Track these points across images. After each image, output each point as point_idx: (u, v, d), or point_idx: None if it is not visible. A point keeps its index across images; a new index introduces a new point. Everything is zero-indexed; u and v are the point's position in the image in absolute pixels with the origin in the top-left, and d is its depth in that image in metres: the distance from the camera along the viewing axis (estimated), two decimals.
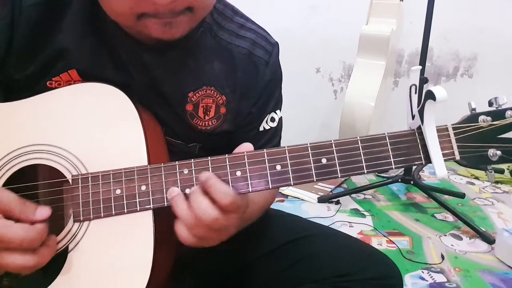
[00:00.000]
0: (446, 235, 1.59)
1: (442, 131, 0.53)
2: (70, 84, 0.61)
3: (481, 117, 0.52)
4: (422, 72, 1.70)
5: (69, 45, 0.60)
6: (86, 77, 0.61)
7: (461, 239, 1.57)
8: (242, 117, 0.70)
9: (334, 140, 0.53)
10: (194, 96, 0.66)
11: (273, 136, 0.75)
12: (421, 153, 0.53)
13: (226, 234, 0.54)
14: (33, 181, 0.57)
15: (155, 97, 0.65)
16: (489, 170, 0.54)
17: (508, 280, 1.32)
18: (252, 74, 0.68)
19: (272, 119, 0.73)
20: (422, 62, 1.69)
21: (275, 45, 0.72)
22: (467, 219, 1.61)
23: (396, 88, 2.25)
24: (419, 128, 0.53)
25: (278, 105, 0.74)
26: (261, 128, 0.72)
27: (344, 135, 1.83)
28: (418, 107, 0.53)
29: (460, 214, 1.64)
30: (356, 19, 1.91)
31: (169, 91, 0.65)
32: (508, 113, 0.52)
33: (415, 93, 0.55)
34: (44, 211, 0.51)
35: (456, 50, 2.20)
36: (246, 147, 0.54)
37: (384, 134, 0.54)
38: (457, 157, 0.53)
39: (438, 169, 0.51)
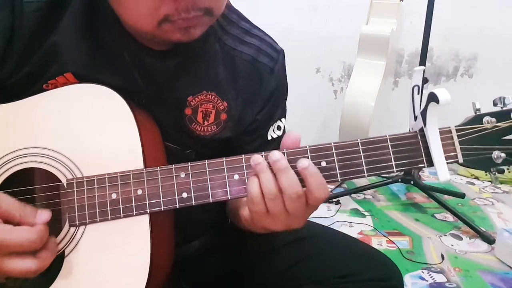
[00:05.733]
0: (446, 235, 1.59)
1: (445, 133, 0.52)
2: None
3: (486, 118, 0.51)
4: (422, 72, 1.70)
5: (64, 47, 0.59)
6: (83, 80, 0.60)
7: (461, 239, 1.57)
8: (245, 124, 0.68)
9: (334, 143, 0.52)
10: (193, 101, 0.65)
11: (279, 145, 0.72)
12: (423, 156, 0.52)
13: (295, 223, 0.53)
14: (28, 185, 0.56)
15: (154, 100, 0.64)
16: (493, 172, 0.53)
17: (508, 280, 1.32)
18: (256, 81, 0.67)
19: (279, 128, 0.72)
20: (422, 62, 1.69)
21: (281, 52, 0.70)
22: (467, 219, 1.61)
23: (396, 88, 2.25)
24: (421, 130, 0.52)
25: (283, 113, 0.73)
26: (268, 137, 0.70)
27: (344, 135, 1.83)
28: (420, 108, 0.52)
29: (460, 214, 1.64)
30: (356, 19, 1.91)
31: (168, 95, 0.64)
32: None
33: (418, 94, 0.54)
34: (44, 215, 0.50)
35: (456, 50, 2.20)
36: (292, 139, 0.52)
37: (386, 136, 0.52)
38: (460, 160, 0.52)
39: (441, 173, 0.51)
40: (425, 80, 1.69)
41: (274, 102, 0.69)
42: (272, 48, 0.69)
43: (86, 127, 0.56)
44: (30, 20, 0.57)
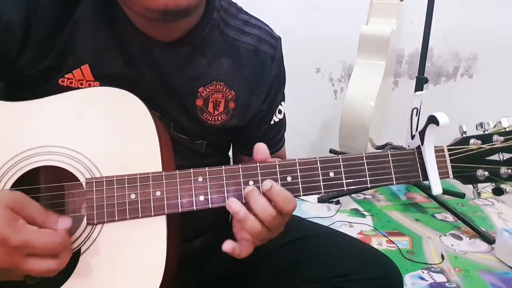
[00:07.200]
0: (446, 235, 1.59)
1: (438, 152, 0.58)
2: (81, 83, 0.61)
3: (472, 140, 0.58)
4: (422, 72, 1.70)
5: (80, 38, 0.60)
6: (97, 72, 0.61)
7: (461, 239, 1.57)
8: (253, 113, 0.71)
9: (341, 156, 0.57)
10: (204, 91, 0.66)
11: (281, 128, 0.77)
12: (419, 171, 0.58)
13: (277, 232, 0.57)
14: (45, 182, 0.57)
15: (164, 92, 0.65)
16: (475, 188, 0.60)
17: (508, 280, 1.32)
18: (260, 70, 0.70)
19: (279, 111, 0.75)
20: (422, 62, 1.69)
21: (279, 40, 0.73)
22: (467, 219, 1.61)
23: (396, 88, 2.25)
24: (418, 147, 0.58)
25: (283, 97, 0.76)
26: (272, 122, 0.75)
27: (344, 135, 1.83)
28: (417, 128, 0.56)
29: (460, 214, 1.64)
30: (356, 19, 1.91)
31: (178, 86, 0.65)
32: (495, 137, 0.57)
33: (416, 115, 0.60)
34: (65, 222, 0.50)
35: (456, 50, 2.20)
36: (261, 150, 0.56)
37: (387, 152, 0.58)
38: (451, 176, 0.58)
39: (435, 187, 0.57)
40: (425, 80, 1.69)
41: (276, 88, 0.73)
42: (271, 36, 0.72)
43: (107, 129, 0.57)
44: (45, 11, 0.58)
